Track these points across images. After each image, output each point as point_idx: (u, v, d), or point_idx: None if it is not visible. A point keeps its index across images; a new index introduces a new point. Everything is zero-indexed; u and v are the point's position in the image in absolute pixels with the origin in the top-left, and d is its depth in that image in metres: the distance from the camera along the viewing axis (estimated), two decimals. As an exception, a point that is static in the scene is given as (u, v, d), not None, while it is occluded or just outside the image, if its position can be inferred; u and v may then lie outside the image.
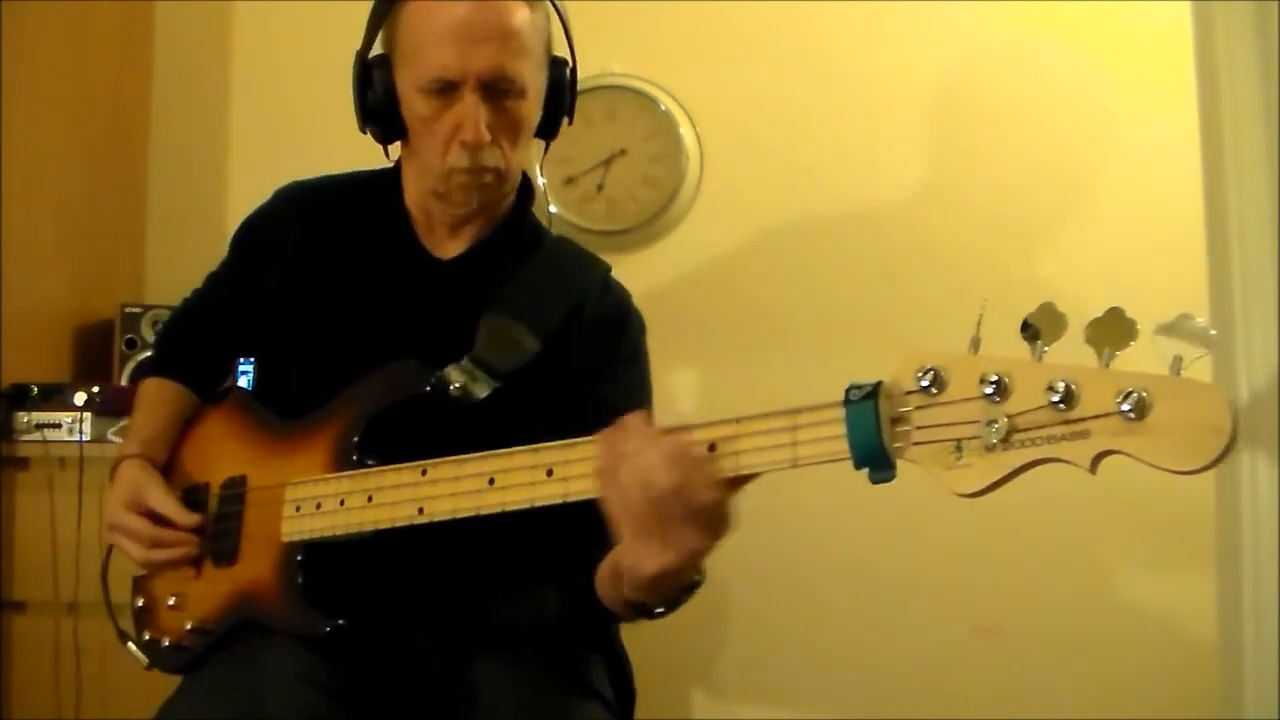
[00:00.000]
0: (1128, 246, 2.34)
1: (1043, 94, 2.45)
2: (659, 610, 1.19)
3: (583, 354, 1.42)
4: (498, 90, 1.33)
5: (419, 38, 1.34)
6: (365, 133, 1.43)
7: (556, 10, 1.41)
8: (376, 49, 1.41)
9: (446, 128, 1.34)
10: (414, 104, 1.36)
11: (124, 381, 2.35)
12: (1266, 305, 1.28)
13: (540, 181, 2.49)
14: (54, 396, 2.20)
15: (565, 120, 1.47)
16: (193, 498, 1.46)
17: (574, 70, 1.45)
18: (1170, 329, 0.85)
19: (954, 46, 2.50)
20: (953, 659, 2.39)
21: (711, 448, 1.04)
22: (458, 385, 1.32)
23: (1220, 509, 1.40)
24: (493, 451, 1.17)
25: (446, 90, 1.33)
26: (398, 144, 1.46)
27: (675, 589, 1.15)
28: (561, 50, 1.43)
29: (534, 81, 1.38)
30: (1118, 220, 2.39)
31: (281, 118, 2.65)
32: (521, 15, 1.34)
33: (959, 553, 2.38)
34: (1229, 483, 1.34)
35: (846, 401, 0.97)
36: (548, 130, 1.45)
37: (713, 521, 1.04)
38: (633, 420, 1.06)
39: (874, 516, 2.36)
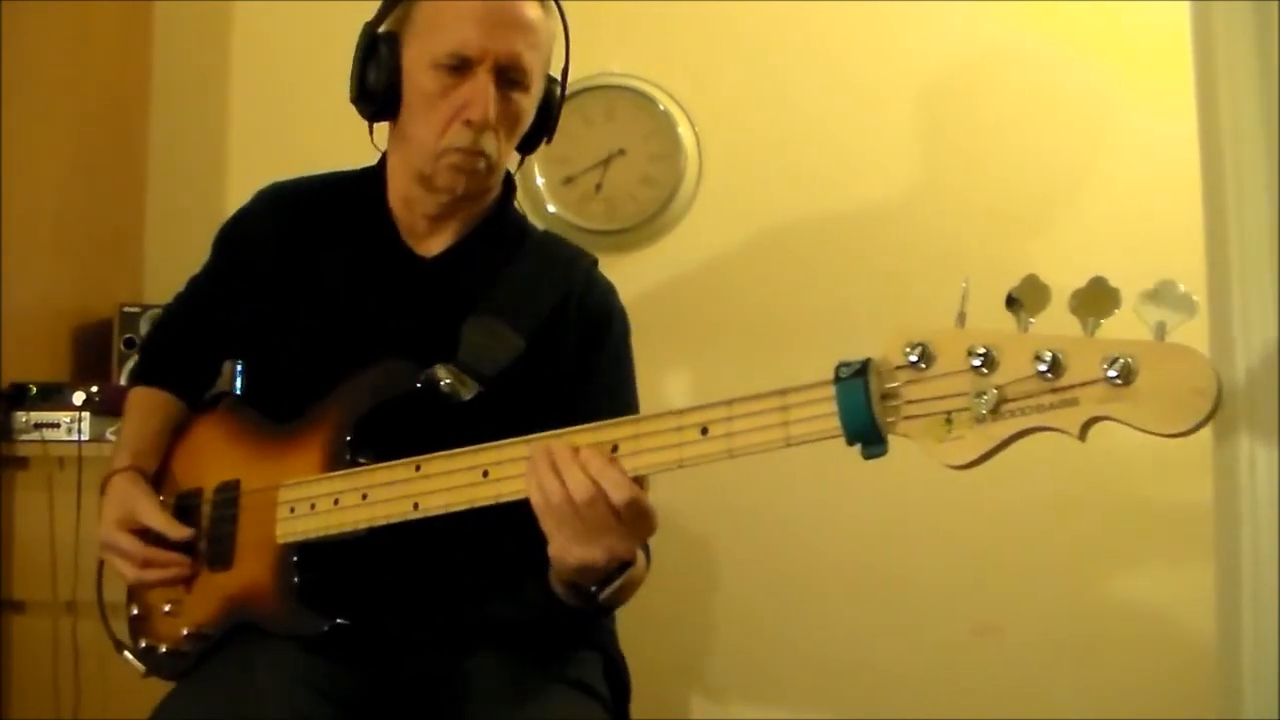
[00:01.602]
0: (1127, 246, 2.34)
1: (1042, 94, 2.45)
2: (593, 589, 1.21)
3: (568, 351, 1.43)
4: (509, 79, 1.36)
5: (439, 14, 1.36)
6: (355, 104, 1.43)
7: (564, 28, 1.44)
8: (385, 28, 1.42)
9: (451, 105, 1.35)
10: (421, 79, 1.37)
11: (123, 381, 2.35)
12: (1266, 305, 1.28)
13: (539, 181, 2.51)
14: (53, 396, 2.19)
15: (545, 139, 1.49)
16: (186, 504, 1.46)
17: (563, 92, 1.48)
18: (1153, 296, 0.87)
19: (954, 46, 2.50)
20: (952, 659, 2.39)
21: (704, 431, 1.06)
22: (447, 382, 1.33)
23: (1219, 508, 1.39)
24: (485, 444, 1.18)
25: (460, 68, 1.35)
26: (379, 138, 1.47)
27: (599, 576, 1.20)
28: (557, 69, 1.46)
29: (538, 82, 1.41)
30: (1117, 219, 2.39)
31: (281, 118, 2.65)
32: (538, 14, 1.39)
33: (959, 553, 2.38)
34: (1228, 481, 1.34)
35: (836, 379, 0.98)
36: (527, 144, 1.47)
37: (633, 518, 1.11)
38: (561, 437, 1.13)
39: (873, 517, 2.36)
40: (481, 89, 1.34)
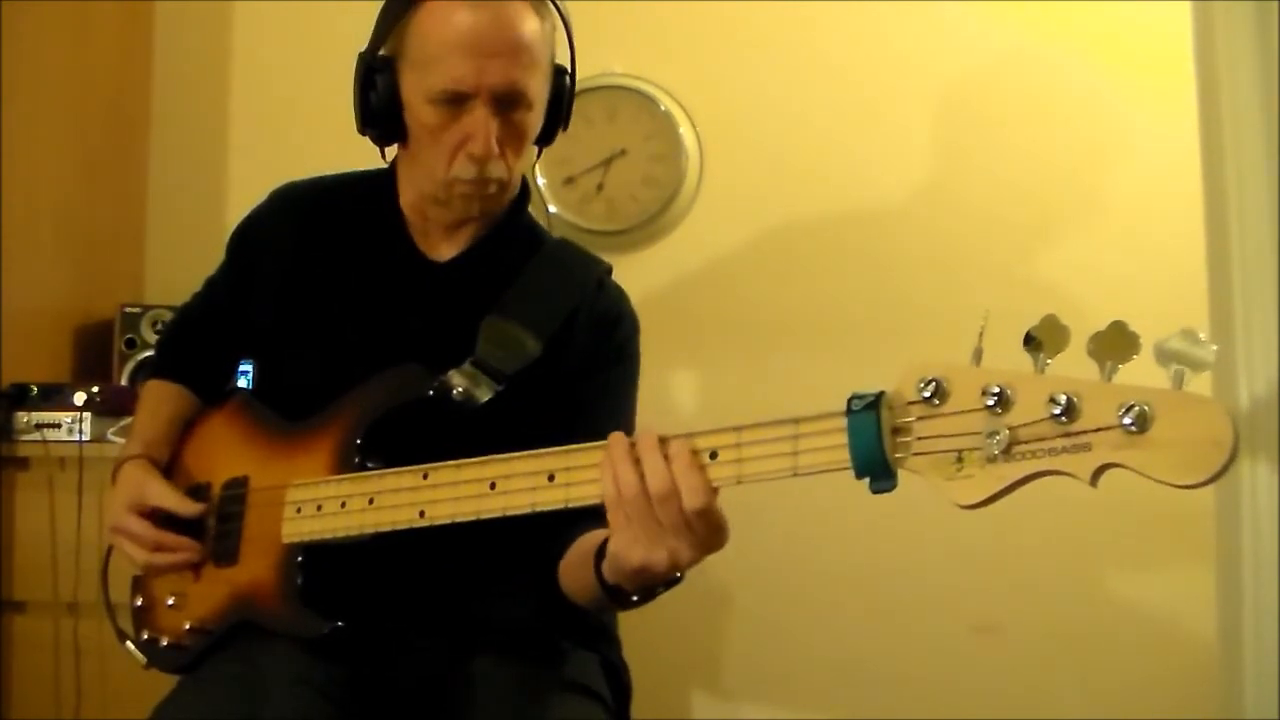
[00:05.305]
0: (1129, 248, 2.34)
1: (1043, 95, 2.45)
2: (634, 599, 1.19)
3: (577, 355, 1.42)
4: (507, 103, 1.34)
5: (431, 46, 1.33)
6: (364, 134, 1.43)
7: (562, 18, 1.42)
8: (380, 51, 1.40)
9: (454, 138, 1.34)
10: (421, 113, 1.35)
11: (124, 381, 2.35)
12: (1267, 306, 1.29)
13: (541, 181, 2.51)
14: (54, 396, 2.19)
15: (561, 129, 1.47)
16: (195, 498, 1.45)
17: (573, 79, 1.46)
18: (1172, 344, 0.85)
19: (954, 47, 2.49)
20: (953, 659, 2.39)
21: (713, 455, 1.05)
22: (460, 390, 1.32)
23: (1220, 509, 1.40)
24: (493, 456, 1.17)
25: (457, 102, 1.32)
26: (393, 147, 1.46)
27: (655, 582, 1.15)
28: (563, 58, 1.44)
29: (540, 94, 1.38)
30: (1119, 222, 2.39)
31: (281, 118, 2.65)
32: (532, 26, 1.34)
33: (959, 553, 2.38)
34: (1229, 484, 1.34)
35: (849, 411, 0.97)
36: (544, 138, 1.46)
37: (705, 530, 1.07)
38: (644, 431, 1.08)
39: (874, 517, 2.36)
40: (481, 123, 1.32)
